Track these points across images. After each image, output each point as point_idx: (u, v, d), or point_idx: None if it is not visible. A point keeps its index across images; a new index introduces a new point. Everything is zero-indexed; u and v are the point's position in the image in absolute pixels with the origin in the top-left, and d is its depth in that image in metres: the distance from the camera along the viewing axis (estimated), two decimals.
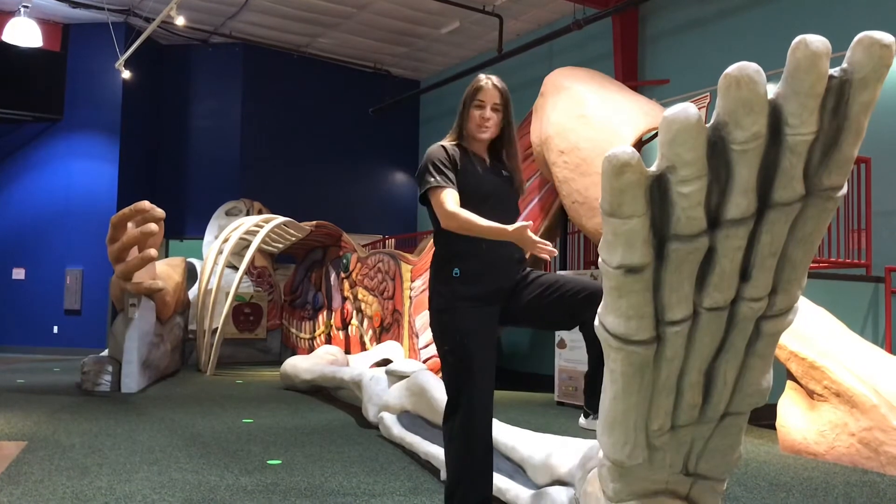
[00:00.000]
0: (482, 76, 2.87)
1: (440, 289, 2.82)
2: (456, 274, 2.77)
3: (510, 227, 2.60)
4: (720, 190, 1.48)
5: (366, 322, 10.29)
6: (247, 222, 10.47)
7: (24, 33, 11.99)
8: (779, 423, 5.01)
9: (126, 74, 12.41)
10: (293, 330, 12.36)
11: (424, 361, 8.05)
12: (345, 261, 11.10)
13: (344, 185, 15.42)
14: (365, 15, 13.12)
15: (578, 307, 2.69)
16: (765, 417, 5.55)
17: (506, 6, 12.21)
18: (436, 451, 3.97)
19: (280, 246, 11.99)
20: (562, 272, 6.58)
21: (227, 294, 10.10)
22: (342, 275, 11.13)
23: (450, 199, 2.70)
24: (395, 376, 5.20)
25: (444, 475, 3.12)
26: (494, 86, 2.83)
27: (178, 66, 14.60)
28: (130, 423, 5.56)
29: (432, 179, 2.73)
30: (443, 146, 2.86)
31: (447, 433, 2.82)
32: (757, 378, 1.75)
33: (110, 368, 7.51)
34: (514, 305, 2.83)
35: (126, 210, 7.09)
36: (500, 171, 2.92)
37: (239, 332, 12.01)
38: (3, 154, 13.86)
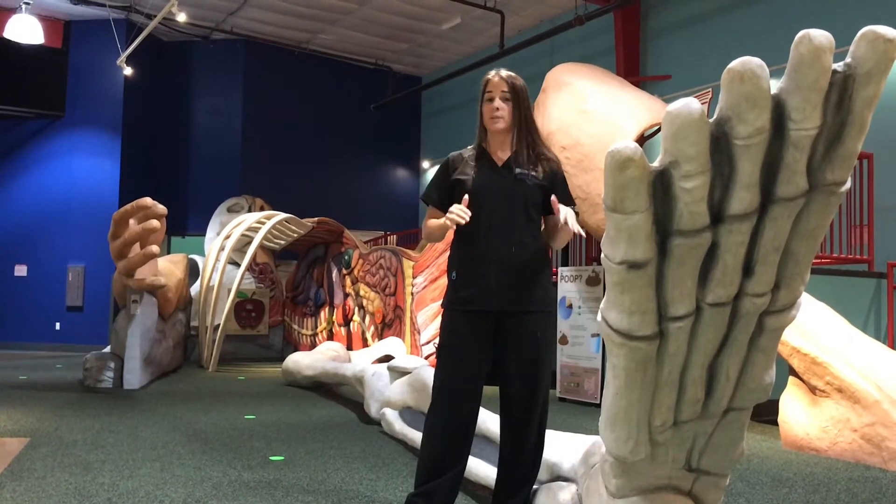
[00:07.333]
0: (491, 71, 2.87)
1: (447, 288, 2.93)
2: (453, 277, 2.86)
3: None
4: (723, 185, 1.48)
5: (367, 318, 10.29)
6: (249, 219, 10.47)
7: (26, 30, 11.98)
8: (781, 418, 5.01)
9: (128, 71, 12.41)
10: (295, 326, 12.37)
11: (426, 357, 8.06)
12: (346, 257, 11.10)
13: (345, 181, 15.42)
14: (366, 11, 13.11)
15: (511, 409, 2.81)
16: (767, 413, 5.54)
17: (507, 2, 12.18)
18: None
19: (282, 242, 12.00)
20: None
21: (229, 290, 10.11)
22: (344, 271, 11.13)
23: (428, 213, 2.94)
24: (398, 372, 5.20)
25: None
26: (500, 77, 2.83)
27: (179, 63, 14.59)
28: (133, 420, 5.56)
29: (427, 192, 2.97)
30: (455, 155, 2.94)
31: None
32: (759, 373, 1.75)
33: (112, 365, 7.52)
34: (499, 347, 2.80)
35: (128, 206, 7.08)
36: (512, 170, 2.80)
37: (241, 329, 12.02)
38: (4, 151, 13.87)
